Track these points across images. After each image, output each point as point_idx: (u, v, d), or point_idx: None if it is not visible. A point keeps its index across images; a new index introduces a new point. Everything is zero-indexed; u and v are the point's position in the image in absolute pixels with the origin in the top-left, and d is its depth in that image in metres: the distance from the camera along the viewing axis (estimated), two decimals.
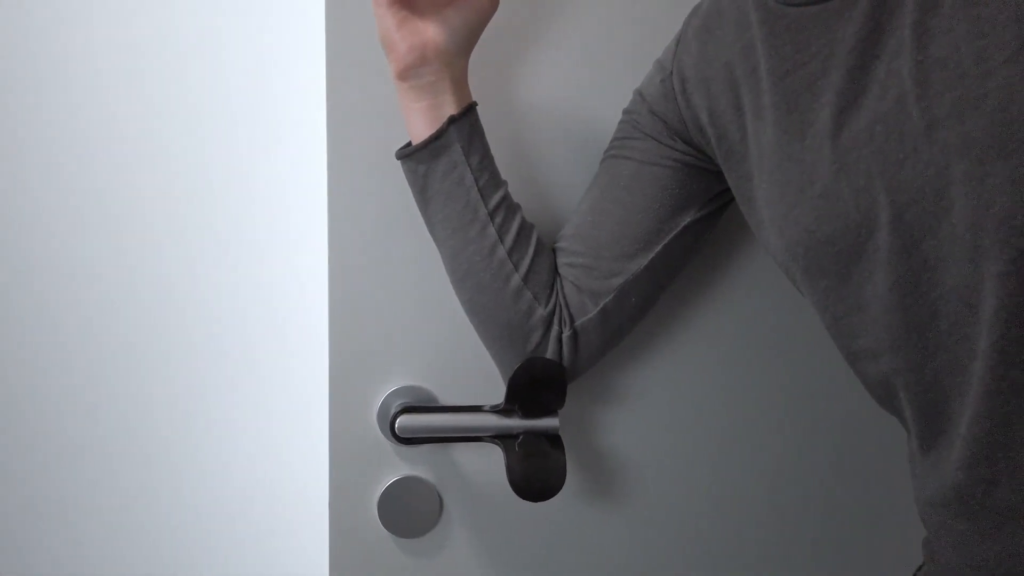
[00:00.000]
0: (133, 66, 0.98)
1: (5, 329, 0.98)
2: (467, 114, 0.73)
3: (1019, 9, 0.50)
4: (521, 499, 0.77)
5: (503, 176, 0.76)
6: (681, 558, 0.88)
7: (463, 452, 0.84)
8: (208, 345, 1.00)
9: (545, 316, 0.75)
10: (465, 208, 0.73)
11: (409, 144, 0.74)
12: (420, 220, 0.77)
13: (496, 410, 0.77)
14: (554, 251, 0.78)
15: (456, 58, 0.72)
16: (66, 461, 1.00)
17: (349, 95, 0.80)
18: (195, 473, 1.01)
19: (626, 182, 0.75)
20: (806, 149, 0.62)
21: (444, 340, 0.83)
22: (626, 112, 0.78)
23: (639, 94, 0.77)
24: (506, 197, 0.75)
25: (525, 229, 0.75)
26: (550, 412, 0.76)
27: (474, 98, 0.75)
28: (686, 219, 0.75)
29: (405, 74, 0.71)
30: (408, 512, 0.82)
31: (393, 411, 0.78)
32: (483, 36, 0.74)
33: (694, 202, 0.75)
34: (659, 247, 0.75)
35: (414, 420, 0.76)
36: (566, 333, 0.75)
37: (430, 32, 0.70)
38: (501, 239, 0.74)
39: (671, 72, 0.74)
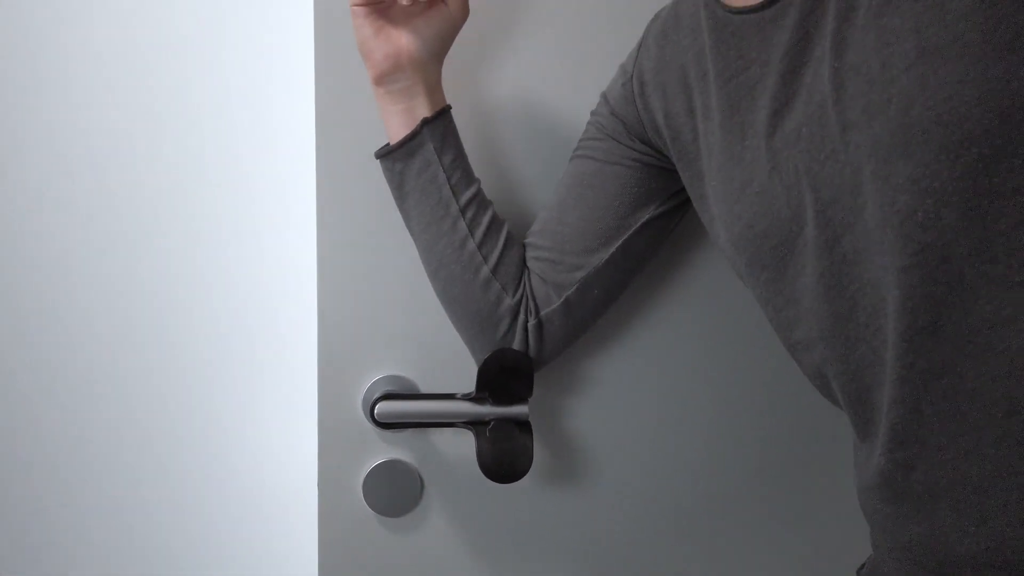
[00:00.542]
0: (127, 67, 1.02)
1: (1, 326, 1.03)
2: (440, 116, 0.77)
3: (918, 20, 0.52)
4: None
5: (477, 174, 0.80)
6: (646, 536, 0.91)
7: (442, 437, 0.88)
8: (204, 336, 1.05)
9: (512, 306, 0.78)
10: (438, 204, 0.77)
11: (388, 144, 0.79)
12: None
13: (468, 398, 0.81)
14: (524, 246, 0.82)
15: (429, 64, 0.76)
16: (65, 448, 1.05)
17: (336, 98, 0.85)
18: (189, 457, 1.06)
19: (589, 180, 0.78)
20: (746, 149, 0.64)
21: (426, 332, 0.87)
22: (592, 114, 0.81)
23: (604, 96, 0.80)
24: (478, 194, 0.79)
25: (495, 224, 0.79)
26: (519, 400, 0.80)
27: (449, 100, 0.79)
28: (645, 215, 0.78)
29: (381, 80, 0.76)
30: (391, 493, 0.87)
31: (374, 398, 0.82)
32: (458, 41, 0.78)
33: (653, 199, 0.78)
34: (619, 242, 0.78)
35: (392, 407, 0.81)
36: (531, 322, 0.79)
37: (404, 41, 0.74)
38: (472, 233, 0.77)
39: (631, 75, 0.77)
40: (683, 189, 0.79)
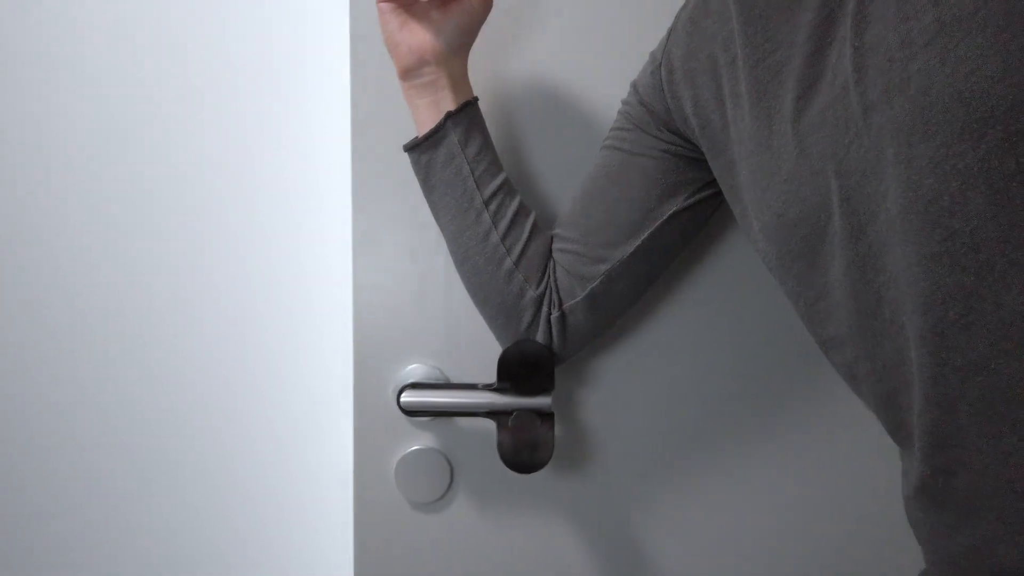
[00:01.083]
0: (166, 62, 1.05)
1: (17, 328, 1.07)
2: (464, 109, 0.77)
3: None
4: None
5: (504, 165, 0.80)
6: (665, 527, 0.90)
7: (471, 426, 0.89)
8: (241, 328, 1.08)
9: (536, 298, 0.78)
10: (462, 196, 0.78)
11: (416, 138, 0.80)
12: None
13: (491, 388, 0.81)
14: (552, 237, 0.81)
15: (453, 57, 0.76)
16: (94, 432, 1.10)
17: (372, 93, 0.87)
18: (226, 447, 1.10)
19: (615, 172, 0.77)
20: (774, 134, 0.62)
21: (458, 323, 0.88)
22: (622, 103, 0.80)
23: (633, 86, 0.79)
24: (503, 185, 0.79)
25: (520, 215, 0.79)
26: (542, 391, 0.80)
27: (476, 92, 0.79)
28: (672, 208, 0.76)
29: (407, 74, 0.77)
30: (421, 479, 0.88)
31: (400, 388, 0.83)
32: (485, 32, 0.78)
33: (680, 191, 0.76)
34: (645, 235, 0.77)
35: (417, 396, 0.82)
36: (554, 315, 0.79)
37: (427, 35, 0.75)
38: (495, 225, 0.78)
39: (660, 64, 0.75)
40: (713, 181, 0.77)
